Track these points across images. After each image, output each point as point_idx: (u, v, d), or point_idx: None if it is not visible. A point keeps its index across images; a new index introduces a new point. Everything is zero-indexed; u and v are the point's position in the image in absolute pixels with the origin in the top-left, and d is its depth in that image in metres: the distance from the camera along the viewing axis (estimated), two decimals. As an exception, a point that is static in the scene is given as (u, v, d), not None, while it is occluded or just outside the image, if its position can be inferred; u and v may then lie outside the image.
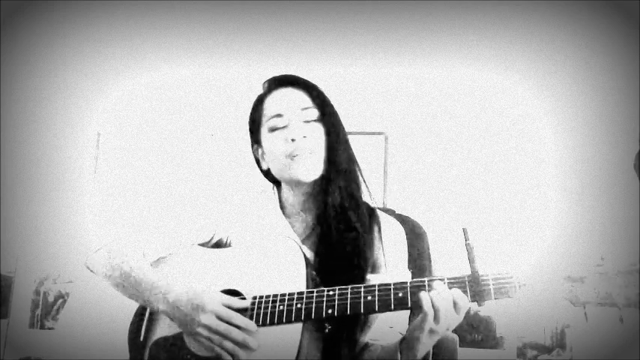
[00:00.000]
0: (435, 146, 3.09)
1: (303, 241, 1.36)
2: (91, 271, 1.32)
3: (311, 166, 1.31)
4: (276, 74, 1.43)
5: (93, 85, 3.37)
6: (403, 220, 1.49)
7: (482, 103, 3.08)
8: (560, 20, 2.98)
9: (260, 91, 1.43)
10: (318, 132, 1.34)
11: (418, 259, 1.56)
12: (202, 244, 1.38)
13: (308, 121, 1.34)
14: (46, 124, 3.36)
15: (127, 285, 1.24)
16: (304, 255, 1.24)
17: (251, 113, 1.43)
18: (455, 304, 1.09)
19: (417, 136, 3.12)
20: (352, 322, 1.23)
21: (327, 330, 1.20)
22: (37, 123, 3.36)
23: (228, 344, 1.13)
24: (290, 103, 1.36)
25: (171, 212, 1.38)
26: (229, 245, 1.38)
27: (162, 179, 3.22)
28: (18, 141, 3.35)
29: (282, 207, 1.41)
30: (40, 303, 3.21)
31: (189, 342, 1.21)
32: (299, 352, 1.13)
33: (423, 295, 1.09)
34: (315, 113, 1.35)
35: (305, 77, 1.42)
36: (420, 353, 1.15)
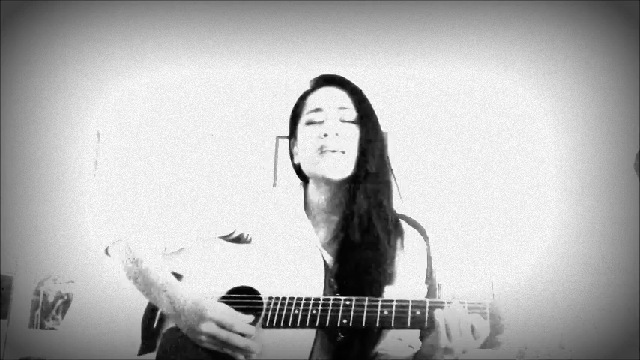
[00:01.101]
0: (435, 146, 3.09)
1: (324, 246, 1.35)
2: (109, 256, 1.32)
3: (339, 164, 1.31)
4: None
5: (93, 85, 3.36)
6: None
7: (483, 103, 3.08)
8: (560, 20, 2.98)
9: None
10: (353, 133, 1.34)
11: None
12: (223, 238, 1.37)
13: (345, 121, 1.35)
14: (46, 124, 3.35)
15: (141, 281, 1.24)
16: (324, 260, 1.23)
17: (294, 107, 1.44)
18: (473, 329, 1.08)
19: (417, 136, 3.11)
20: (365, 333, 1.23)
21: (339, 339, 1.20)
22: (37, 123, 3.36)
23: (234, 350, 1.13)
24: (330, 99, 1.37)
25: (193, 205, 1.38)
26: (249, 241, 1.38)
27: (162, 179, 3.22)
28: (18, 141, 3.34)
29: (306, 207, 1.40)
30: (40, 303, 3.20)
31: None
32: (310, 357, 1.12)
33: (437, 313, 1.08)
34: (353, 114, 1.36)
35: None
36: None
